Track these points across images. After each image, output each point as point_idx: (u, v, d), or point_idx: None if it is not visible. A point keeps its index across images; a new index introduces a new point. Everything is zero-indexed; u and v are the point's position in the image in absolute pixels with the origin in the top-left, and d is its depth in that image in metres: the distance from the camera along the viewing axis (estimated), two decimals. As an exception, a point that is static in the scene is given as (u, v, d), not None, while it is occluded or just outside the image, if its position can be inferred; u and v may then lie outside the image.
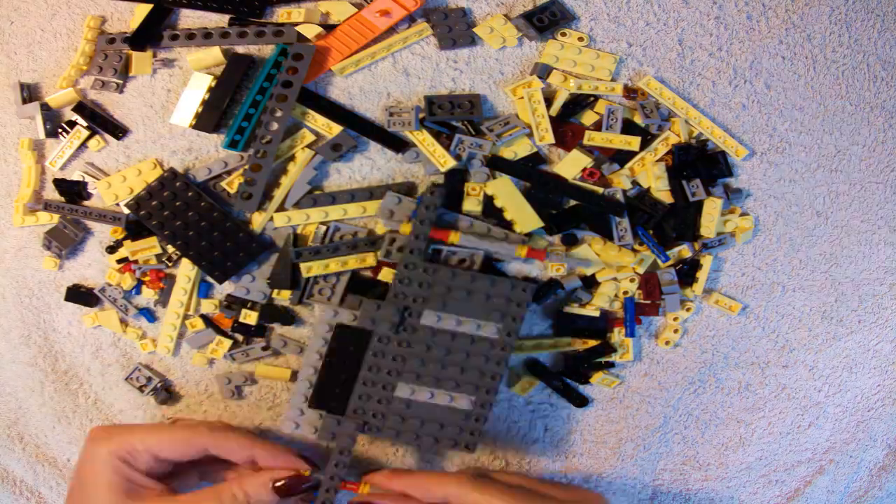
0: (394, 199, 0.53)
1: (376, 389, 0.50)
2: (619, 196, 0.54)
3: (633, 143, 0.54)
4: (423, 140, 0.53)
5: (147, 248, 0.53)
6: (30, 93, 0.54)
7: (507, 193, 0.53)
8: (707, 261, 0.56)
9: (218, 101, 0.53)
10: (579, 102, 0.55)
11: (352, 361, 0.50)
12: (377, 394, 0.50)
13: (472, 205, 0.53)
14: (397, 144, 0.54)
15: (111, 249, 0.54)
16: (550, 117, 0.54)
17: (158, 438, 0.47)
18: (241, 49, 0.54)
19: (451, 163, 0.53)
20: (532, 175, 0.54)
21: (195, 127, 0.53)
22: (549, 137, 0.53)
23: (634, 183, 0.55)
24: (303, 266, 0.53)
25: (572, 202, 0.55)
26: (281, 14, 0.54)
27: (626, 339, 0.57)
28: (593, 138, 0.54)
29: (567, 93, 0.54)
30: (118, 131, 0.54)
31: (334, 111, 0.54)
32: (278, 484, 0.47)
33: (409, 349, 0.51)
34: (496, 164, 0.54)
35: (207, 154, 0.54)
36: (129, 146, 0.55)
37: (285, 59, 0.52)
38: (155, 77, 0.54)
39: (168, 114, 0.54)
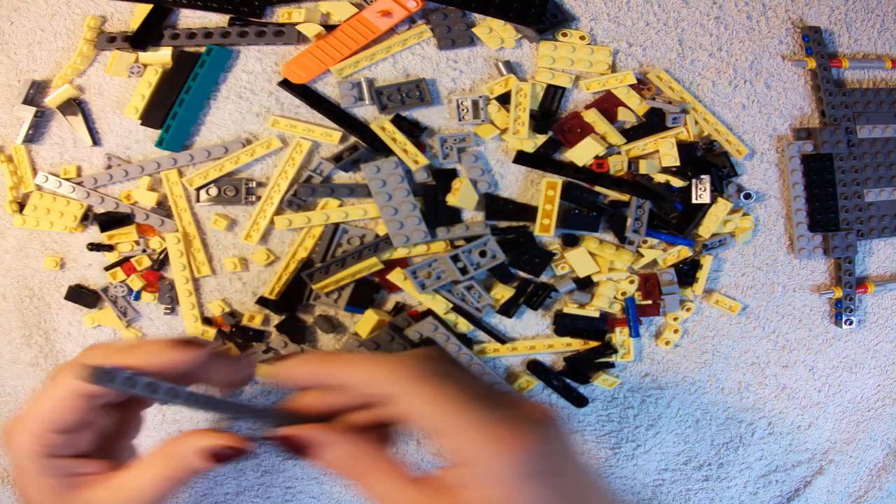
0: (372, 169, 0.53)
1: None
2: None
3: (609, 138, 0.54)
4: (395, 139, 0.53)
5: (125, 234, 0.54)
6: (35, 93, 0.54)
7: (553, 195, 0.53)
8: (707, 261, 0.56)
9: (164, 98, 0.53)
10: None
11: None
12: None
13: (454, 200, 0.53)
14: (387, 148, 0.54)
15: (93, 247, 0.54)
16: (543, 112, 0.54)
17: (43, 409, 0.37)
18: (242, 49, 0.54)
19: (423, 161, 0.53)
20: (560, 167, 0.54)
21: (143, 124, 0.54)
22: (524, 131, 0.53)
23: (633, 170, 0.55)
24: (316, 287, 0.53)
25: (603, 197, 0.55)
26: (282, 14, 0.54)
27: (627, 339, 0.57)
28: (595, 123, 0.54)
29: (544, 85, 0.54)
30: (96, 137, 0.55)
31: (330, 110, 0.54)
32: (209, 449, 0.38)
33: None
34: (522, 160, 0.54)
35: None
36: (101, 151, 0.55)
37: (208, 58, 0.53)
38: (131, 79, 0.55)
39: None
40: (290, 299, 0.55)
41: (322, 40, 0.53)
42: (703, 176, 0.54)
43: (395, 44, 0.54)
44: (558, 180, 0.53)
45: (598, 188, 0.54)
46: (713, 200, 0.55)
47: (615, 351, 0.57)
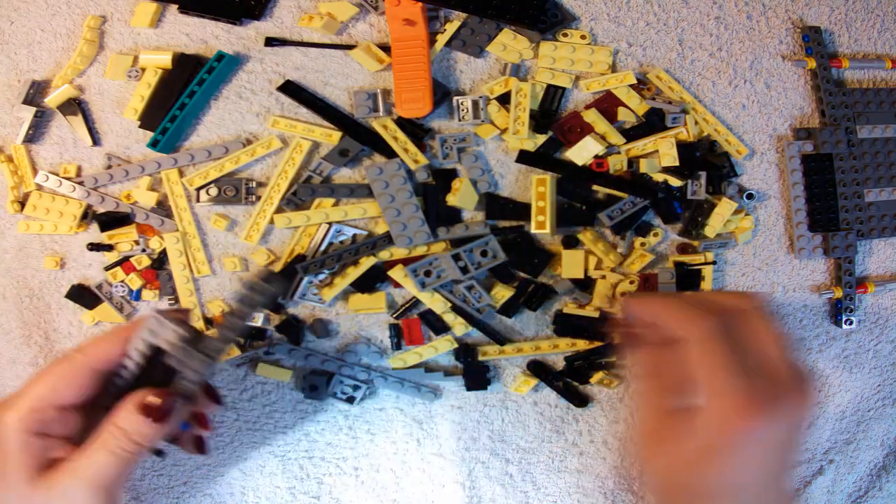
0: (375, 171, 0.53)
1: None
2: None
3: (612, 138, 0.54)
4: (396, 137, 0.53)
5: (125, 234, 0.54)
6: (35, 93, 0.55)
7: (545, 192, 0.53)
8: (709, 271, 0.56)
9: (163, 100, 0.53)
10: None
11: None
12: None
13: (454, 200, 0.53)
14: (390, 152, 0.54)
15: (93, 247, 0.54)
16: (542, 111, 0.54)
17: (47, 383, 0.41)
18: (243, 51, 0.54)
19: (423, 160, 0.53)
20: (562, 166, 0.54)
21: (141, 126, 0.54)
22: (524, 131, 0.53)
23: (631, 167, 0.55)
24: (323, 293, 0.54)
25: (597, 194, 0.55)
26: (301, 19, 0.54)
27: None
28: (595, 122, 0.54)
29: (545, 85, 0.55)
30: (96, 137, 0.55)
31: (331, 114, 0.54)
32: (144, 404, 0.40)
33: None
34: (525, 159, 0.54)
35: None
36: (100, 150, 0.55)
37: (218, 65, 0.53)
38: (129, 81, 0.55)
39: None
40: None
41: (397, 74, 0.53)
42: (699, 172, 0.54)
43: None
44: (547, 176, 0.53)
45: (596, 187, 0.54)
46: (709, 191, 0.55)
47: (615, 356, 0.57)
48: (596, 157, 0.54)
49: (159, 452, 0.46)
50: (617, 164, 0.54)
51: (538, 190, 0.53)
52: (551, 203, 0.53)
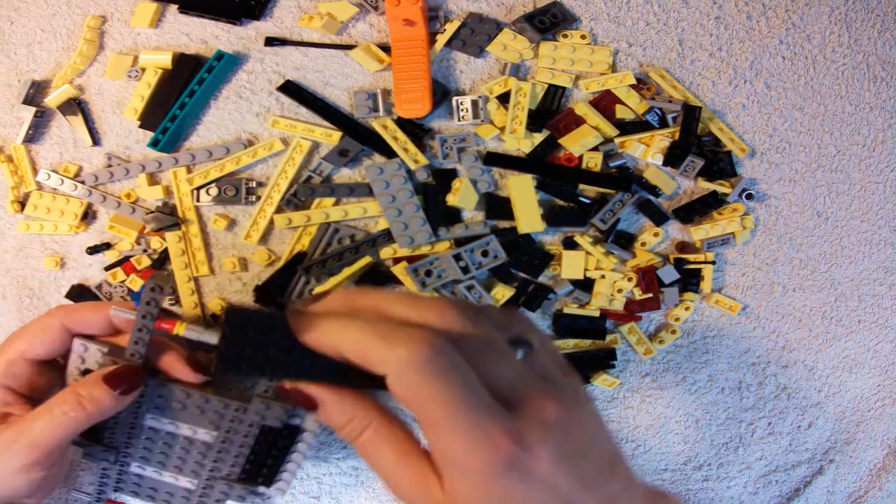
0: (375, 171, 0.53)
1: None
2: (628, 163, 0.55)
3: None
4: (396, 137, 0.53)
5: (125, 232, 0.54)
6: (35, 93, 0.55)
7: (523, 191, 0.53)
8: (709, 270, 0.56)
9: (163, 100, 0.53)
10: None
11: None
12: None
13: (454, 200, 0.53)
14: (390, 152, 0.54)
15: (92, 250, 0.54)
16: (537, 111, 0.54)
17: (24, 338, 0.44)
18: (243, 50, 0.54)
19: (423, 160, 0.53)
20: (533, 166, 0.54)
21: (142, 126, 0.54)
22: (521, 130, 0.53)
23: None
24: (318, 289, 0.54)
25: (582, 196, 0.55)
26: (301, 19, 0.54)
27: (641, 336, 0.57)
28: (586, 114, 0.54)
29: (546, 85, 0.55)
30: (96, 137, 0.55)
31: (331, 114, 0.54)
32: (106, 375, 0.42)
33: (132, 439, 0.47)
34: (492, 161, 0.54)
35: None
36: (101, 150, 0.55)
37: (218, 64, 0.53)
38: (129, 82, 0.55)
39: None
40: (273, 289, 0.54)
41: (396, 74, 0.53)
42: (696, 160, 0.54)
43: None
44: (522, 176, 0.53)
45: (583, 186, 0.54)
46: (707, 179, 0.55)
47: (615, 358, 0.57)
48: (566, 152, 0.54)
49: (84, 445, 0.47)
50: (591, 160, 0.54)
51: (514, 191, 0.53)
52: (529, 203, 0.53)
